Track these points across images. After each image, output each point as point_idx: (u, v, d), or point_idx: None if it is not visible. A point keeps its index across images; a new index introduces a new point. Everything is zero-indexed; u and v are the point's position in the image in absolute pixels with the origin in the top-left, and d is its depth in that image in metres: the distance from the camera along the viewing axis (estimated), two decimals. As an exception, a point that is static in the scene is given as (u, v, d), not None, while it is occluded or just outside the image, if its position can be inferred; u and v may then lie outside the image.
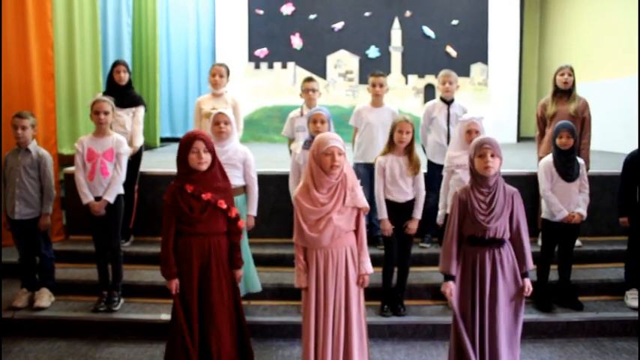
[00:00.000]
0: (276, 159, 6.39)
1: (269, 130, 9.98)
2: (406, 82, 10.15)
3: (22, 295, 4.29)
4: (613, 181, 5.11)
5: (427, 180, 4.98)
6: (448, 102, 5.07)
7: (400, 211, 4.07)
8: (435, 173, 4.81)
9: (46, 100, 5.26)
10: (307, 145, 4.07)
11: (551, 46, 10.58)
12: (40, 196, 4.24)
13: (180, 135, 8.24)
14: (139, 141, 5.12)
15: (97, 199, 4.13)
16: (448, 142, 4.81)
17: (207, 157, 3.18)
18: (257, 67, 10.08)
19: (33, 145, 4.23)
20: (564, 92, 4.95)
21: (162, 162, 6.35)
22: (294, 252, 3.13)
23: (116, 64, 5.12)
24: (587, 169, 4.88)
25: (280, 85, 10.03)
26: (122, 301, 4.32)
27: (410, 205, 4.09)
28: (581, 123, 4.89)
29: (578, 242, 4.73)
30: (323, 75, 9.99)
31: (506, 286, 3.03)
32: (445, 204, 4.20)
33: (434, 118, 5.11)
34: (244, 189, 4.00)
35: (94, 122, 4.19)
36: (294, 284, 3.16)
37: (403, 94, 10.04)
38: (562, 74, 4.95)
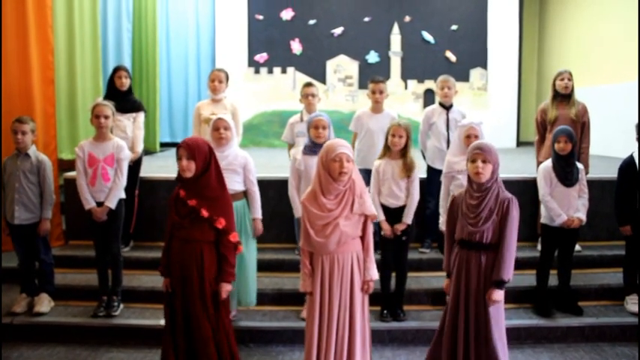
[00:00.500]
0: (275, 164, 6.39)
1: (269, 135, 9.99)
2: (406, 87, 10.16)
3: (22, 301, 4.29)
4: (612, 185, 5.09)
5: (427, 185, 5.02)
6: (447, 107, 5.08)
7: (392, 215, 4.08)
8: (434, 178, 4.81)
9: (46, 105, 5.27)
10: (307, 150, 4.07)
11: (551, 52, 10.60)
12: (40, 201, 4.24)
13: (179, 140, 8.25)
14: (140, 146, 5.14)
15: (99, 204, 4.13)
16: (448, 147, 4.81)
17: (189, 165, 3.12)
18: (257, 72, 10.10)
19: (32, 150, 4.24)
20: (564, 97, 4.95)
21: (161, 167, 6.35)
22: (300, 256, 3.13)
23: (117, 69, 5.12)
24: (587, 173, 4.89)
25: (280, 90, 10.05)
26: (122, 306, 4.31)
27: (400, 210, 4.10)
28: (580, 127, 4.90)
29: (577, 247, 4.73)
30: (322, 80, 10.00)
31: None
32: (447, 209, 4.18)
33: (433, 124, 5.11)
34: (244, 194, 4.00)
35: (94, 126, 4.19)
36: (299, 288, 3.16)
37: (403, 99, 10.05)
38: (562, 79, 4.96)
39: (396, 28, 10.08)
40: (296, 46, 10.07)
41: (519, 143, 10.39)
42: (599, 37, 8.78)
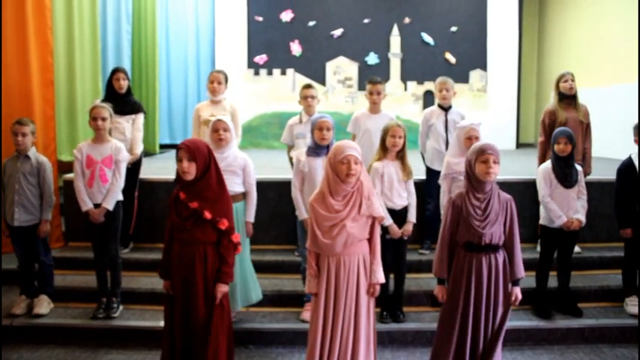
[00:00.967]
0: (275, 165, 6.40)
1: (268, 137, 10.00)
2: (405, 89, 10.18)
3: (21, 302, 4.28)
4: (612, 187, 5.10)
5: (426, 186, 5.02)
6: (446, 109, 5.08)
7: (396, 216, 4.08)
8: (433, 180, 4.81)
9: (46, 107, 5.27)
10: (311, 151, 4.06)
11: (550, 53, 10.61)
12: (40, 202, 4.24)
13: (179, 141, 8.24)
14: (139, 148, 5.14)
15: (96, 205, 4.13)
16: (447, 148, 4.81)
17: (190, 167, 3.11)
18: (256, 73, 10.11)
19: (32, 152, 4.24)
20: (570, 98, 4.98)
21: (161, 168, 6.35)
22: (307, 257, 3.12)
23: (115, 71, 5.12)
24: (589, 173, 4.92)
25: (279, 91, 10.06)
26: (121, 307, 4.31)
27: (404, 210, 4.11)
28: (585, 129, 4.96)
29: (577, 249, 4.74)
30: (322, 81, 10.01)
31: (498, 293, 3.06)
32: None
33: (432, 125, 5.12)
34: (244, 195, 4.00)
35: (92, 128, 4.19)
36: (305, 289, 3.16)
37: (402, 100, 10.07)
38: (565, 81, 4.99)
39: (395, 30, 10.10)
40: (295, 48, 10.09)
41: (519, 145, 10.40)
42: (598, 39, 8.79)
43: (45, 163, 4.28)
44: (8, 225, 4.25)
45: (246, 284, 4.03)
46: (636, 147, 4.38)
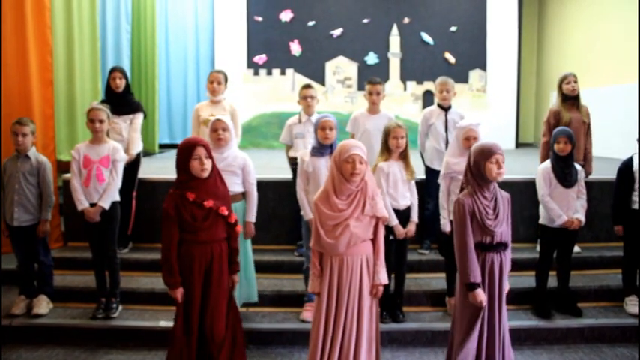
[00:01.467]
0: (275, 165, 6.39)
1: (268, 137, 10.00)
2: (405, 89, 10.18)
3: (20, 302, 4.28)
4: (611, 187, 5.10)
5: (425, 186, 5.02)
6: (446, 108, 5.08)
7: (400, 217, 4.07)
8: (433, 180, 4.80)
9: (45, 107, 5.26)
10: (315, 151, 4.05)
11: (550, 53, 10.61)
12: (39, 202, 4.24)
13: (179, 141, 8.23)
14: (136, 148, 5.09)
15: (93, 205, 4.12)
16: (447, 148, 4.81)
17: (208, 164, 3.19)
18: (256, 73, 10.11)
19: (32, 152, 4.23)
20: (573, 99, 5.00)
21: (160, 168, 6.35)
22: (310, 257, 3.12)
23: (112, 70, 5.11)
24: (591, 173, 4.93)
25: (279, 91, 10.06)
26: (120, 307, 4.31)
27: (407, 210, 4.11)
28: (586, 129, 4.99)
29: (577, 248, 4.74)
30: (322, 81, 10.01)
31: (503, 289, 3.09)
32: (449, 211, 4.15)
33: (432, 125, 5.11)
34: (243, 195, 3.99)
35: (90, 130, 4.19)
36: (308, 289, 3.15)
37: (402, 100, 10.07)
38: (568, 82, 5.01)
39: (395, 30, 10.10)
40: (295, 48, 10.09)
41: (518, 144, 10.40)
42: (598, 38, 8.80)
43: (45, 163, 4.27)
44: (8, 225, 4.25)
45: (250, 282, 4.07)
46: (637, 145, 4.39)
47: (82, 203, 4.11)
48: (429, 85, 9.93)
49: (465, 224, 3.00)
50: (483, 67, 10.19)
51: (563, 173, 4.20)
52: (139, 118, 5.18)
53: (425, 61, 10.11)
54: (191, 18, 10.12)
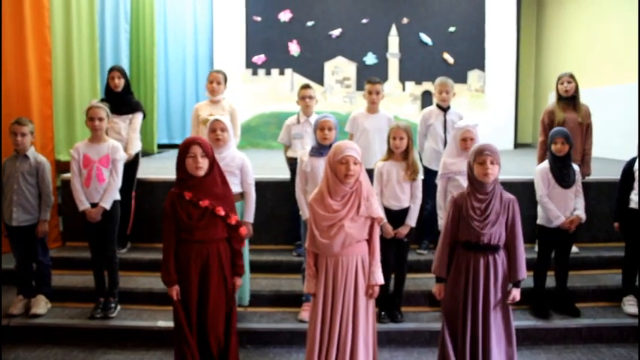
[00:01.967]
0: (273, 165, 6.39)
1: (266, 137, 9.99)
2: (403, 89, 10.18)
3: (18, 302, 4.28)
4: (610, 187, 5.13)
5: (423, 186, 5.01)
6: (444, 109, 5.09)
7: (393, 218, 4.07)
8: (432, 180, 4.80)
9: (44, 107, 5.26)
10: (314, 151, 4.05)
11: (548, 53, 10.62)
12: (38, 202, 4.23)
13: (177, 141, 8.24)
14: (134, 148, 5.09)
15: (94, 205, 4.12)
16: (445, 148, 4.81)
17: (204, 163, 3.17)
18: (254, 73, 10.11)
19: (31, 152, 4.23)
20: (568, 99, 4.98)
21: (159, 168, 6.34)
22: (306, 258, 3.11)
23: (111, 70, 5.11)
24: (589, 174, 4.91)
25: (278, 91, 10.06)
26: (119, 307, 4.30)
27: (404, 213, 4.09)
28: (585, 130, 4.96)
29: (575, 249, 4.74)
30: (320, 81, 10.01)
31: (497, 293, 3.07)
32: (445, 211, 4.17)
33: (430, 125, 5.12)
34: (241, 196, 3.99)
35: (89, 128, 4.19)
36: (304, 289, 3.15)
37: (400, 100, 10.07)
38: (562, 83, 5.00)
39: (393, 30, 10.10)
40: (294, 48, 10.08)
41: (517, 145, 10.41)
42: (596, 39, 8.80)
43: (44, 162, 4.27)
44: (6, 225, 4.24)
45: (244, 285, 4.03)
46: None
47: (83, 204, 4.11)
48: (427, 86, 9.94)
49: (449, 221, 3.13)
50: (482, 67, 10.19)
51: (562, 173, 4.21)
52: (138, 117, 5.17)
53: (424, 61, 10.11)
54: (190, 18, 10.11)
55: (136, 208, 5.18)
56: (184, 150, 3.17)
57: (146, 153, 7.86)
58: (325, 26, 10.07)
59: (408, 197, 4.10)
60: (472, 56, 10.15)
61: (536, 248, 4.54)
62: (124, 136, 5.02)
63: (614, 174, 4.70)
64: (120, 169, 4.23)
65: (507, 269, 3.10)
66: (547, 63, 10.63)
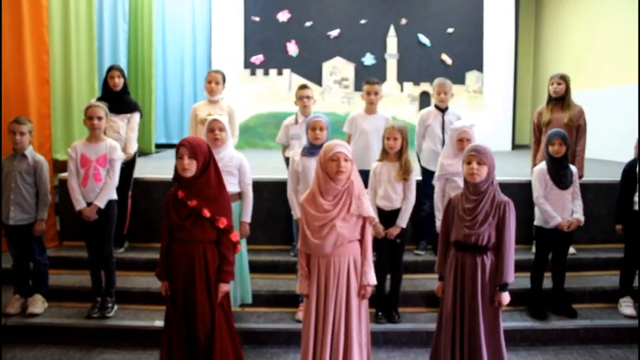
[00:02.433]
0: (271, 165, 6.38)
1: (264, 137, 9.98)
2: (401, 90, 10.18)
3: (15, 302, 4.27)
4: (608, 188, 5.14)
5: (422, 187, 5.01)
6: (443, 110, 5.09)
7: (386, 218, 4.07)
8: (429, 180, 4.81)
9: (41, 106, 5.25)
10: (305, 151, 4.06)
11: (546, 54, 10.63)
12: (36, 201, 4.23)
13: (175, 141, 8.23)
14: (133, 148, 5.09)
15: (90, 205, 4.12)
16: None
17: (190, 164, 3.12)
18: (253, 73, 10.10)
19: (29, 151, 4.23)
20: (558, 100, 4.98)
21: (157, 168, 6.34)
22: (298, 258, 3.11)
23: (110, 69, 5.10)
24: (581, 176, 4.90)
25: (276, 91, 10.05)
26: (116, 307, 4.30)
27: (396, 213, 4.09)
28: (575, 131, 4.92)
29: (572, 250, 4.75)
30: (318, 82, 10.01)
31: (485, 294, 3.05)
32: (442, 211, 4.17)
33: (429, 126, 5.12)
34: (239, 196, 3.99)
35: (88, 127, 4.18)
36: (296, 290, 3.15)
37: (399, 101, 10.07)
38: (552, 83, 5.02)
39: (392, 31, 10.10)
40: (292, 48, 10.08)
41: (514, 146, 10.42)
42: (595, 40, 8.81)
43: (42, 162, 4.27)
44: (3, 224, 4.23)
45: (244, 283, 4.06)
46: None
47: (80, 203, 4.11)
48: (425, 87, 9.94)
49: (445, 220, 3.21)
50: (480, 68, 10.20)
51: (559, 175, 4.21)
52: (136, 117, 5.16)
53: (422, 62, 10.12)
54: (188, 17, 10.10)
55: (132, 207, 5.17)
56: (176, 150, 3.19)
57: (144, 153, 7.85)
58: (323, 27, 10.07)
59: (401, 198, 4.09)
60: (470, 57, 10.16)
61: (534, 249, 4.54)
62: (122, 135, 5.01)
63: (612, 175, 4.71)
64: (117, 168, 4.23)
65: (492, 271, 3.06)
66: (545, 64, 10.64)
